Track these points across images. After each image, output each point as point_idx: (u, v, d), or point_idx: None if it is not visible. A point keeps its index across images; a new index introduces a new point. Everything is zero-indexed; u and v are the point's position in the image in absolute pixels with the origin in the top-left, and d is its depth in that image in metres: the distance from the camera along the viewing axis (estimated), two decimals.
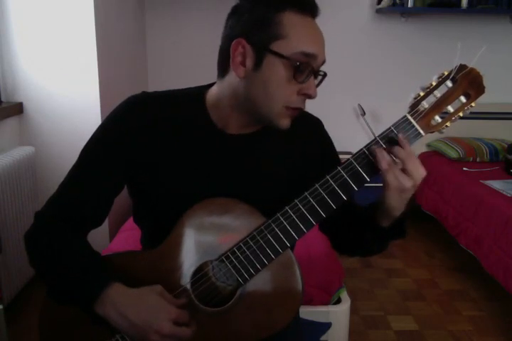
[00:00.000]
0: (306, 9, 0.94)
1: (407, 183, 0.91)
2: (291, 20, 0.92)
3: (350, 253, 1.16)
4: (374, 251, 1.11)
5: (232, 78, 0.97)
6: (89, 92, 2.48)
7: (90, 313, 0.94)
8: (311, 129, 1.13)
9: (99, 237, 2.36)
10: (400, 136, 0.92)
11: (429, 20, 3.58)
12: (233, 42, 0.94)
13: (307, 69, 0.93)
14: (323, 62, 0.97)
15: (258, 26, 0.92)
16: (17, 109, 2.44)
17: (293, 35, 0.91)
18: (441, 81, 0.93)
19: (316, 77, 0.96)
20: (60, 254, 0.99)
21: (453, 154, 3.36)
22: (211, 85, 1.06)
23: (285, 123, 0.98)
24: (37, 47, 2.41)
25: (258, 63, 0.93)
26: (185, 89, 1.08)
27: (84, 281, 0.94)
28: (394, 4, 3.44)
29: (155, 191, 1.03)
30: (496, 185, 2.84)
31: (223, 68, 0.99)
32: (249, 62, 0.93)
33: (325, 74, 0.99)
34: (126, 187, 1.08)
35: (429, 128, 0.94)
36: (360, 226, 1.04)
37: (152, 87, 3.57)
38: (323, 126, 1.15)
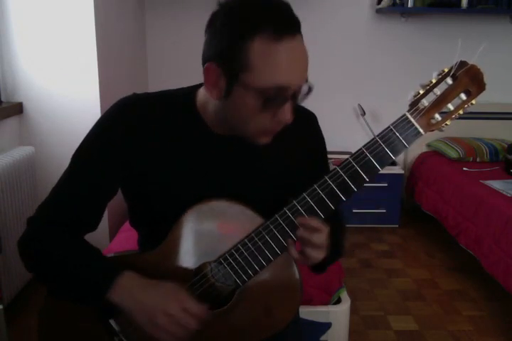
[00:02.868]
0: (282, 29, 0.85)
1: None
2: (261, 50, 0.85)
3: None
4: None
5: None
6: (89, 92, 2.47)
7: (100, 306, 0.94)
8: (305, 124, 1.10)
9: (99, 237, 2.35)
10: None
11: (429, 20, 3.58)
12: (206, 65, 0.91)
13: (279, 99, 0.89)
14: (304, 81, 0.92)
15: (228, 53, 0.87)
16: (17, 109, 2.44)
17: (262, 66, 0.86)
18: (442, 78, 0.91)
19: (293, 101, 0.92)
20: (62, 253, 0.99)
21: (453, 154, 3.36)
22: (202, 84, 1.04)
23: (264, 141, 0.97)
24: (37, 47, 2.41)
25: (228, 91, 0.90)
26: (176, 89, 1.07)
27: (96, 272, 0.95)
28: (394, 4, 3.44)
29: (149, 193, 1.03)
30: (496, 185, 2.84)
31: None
32: (221, 85, 0.90)
33: (310, 90, 0.93)
34: (120, 190, 1.08)
35: (429, 126, 0.93)
36: None
37: (152, 87, 3.57)
38: (317, 121, 1.13)
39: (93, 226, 1.06)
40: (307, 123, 1.12)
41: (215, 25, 0.90)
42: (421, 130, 0.92)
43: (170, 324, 0.91)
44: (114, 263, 0.97)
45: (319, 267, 1.06)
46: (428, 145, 3.64)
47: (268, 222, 0.95)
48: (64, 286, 0.99)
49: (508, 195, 2.66)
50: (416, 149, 3.63)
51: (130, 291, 0.93)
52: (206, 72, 0.91)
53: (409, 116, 0.92)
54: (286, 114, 0.91)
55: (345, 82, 3.64)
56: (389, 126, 0.92)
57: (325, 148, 1.15)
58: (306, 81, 0.93)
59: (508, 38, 3.62)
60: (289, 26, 0.87)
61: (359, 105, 3.60)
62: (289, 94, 0.89)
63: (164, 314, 0.91)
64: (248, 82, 0.87)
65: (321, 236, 0.93)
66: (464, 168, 3.22)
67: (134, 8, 3.25)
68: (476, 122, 3.50)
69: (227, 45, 0.87)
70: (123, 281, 0.93)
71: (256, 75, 0.86)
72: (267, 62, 0.86)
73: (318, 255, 0.94)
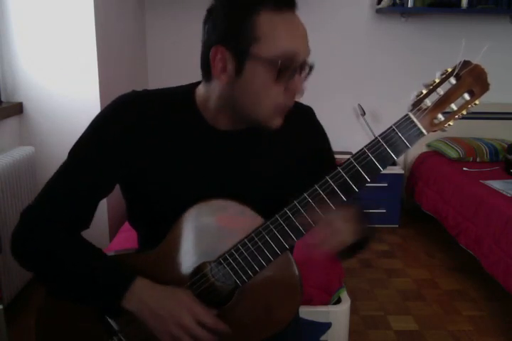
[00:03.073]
0: (282, 4, 0.90)
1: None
2: (266, 21, 0.89)
3: None
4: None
5: (217, 84, 0.96)
6: (89, 92, 2.48)
7: (109, 308, 0.95)
8: (303, 119, 1.11)
9: (99, 237, 2.36)
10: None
11: (429, 20, 3.58)
12: (211, 50, 0.92)
13: (290, 68, 0.91)
14: (308, 54, 0.95)
15: (234, 31, 0.90)
16: (17, 109, 2.44)
17: (270, 36, 0.89)
18: (445, 78, 0.90)
19: (301, 73, 0.94)
20: (64, 252, 0.98)
21: (453, 154, 3.36)
22: (200, 82, 1.04)
23: (277, 122, 0.97)
24: (37, 47, 2.41)
25: (239, 69, 0.91)
26: (175, 87, 1.07)
27: (109, 278, 0.95)
28: (394, 4, 3.44)
29: (149, 192, 1.02)
30: (496, 185, 2.84)
31: (207, 73, 0.97)
32: (230, 68, 0.91)
33: (312, 67, 0.96)
34: (120, 189, 1.07)
35: (431, 126, 0.92)
36: None
37: (152, 87, 3.56)
38: (314, 115, 1.14)
39: (86, 223, 1.05)
40: (305, 118, 1.12)
41: (214, 14, 0.93)
42: (423, 130, 0.91)
43: (184, 335, 0.92)
44: (124, 268, 0.97)
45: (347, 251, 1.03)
46: (428, 145, 3.64)
47: (268, 222, 0.94)
48: (66, 287, 0.98)
49: (508, 195, 2.66)
50: (416, 149, 3.63)
51: (142, 299, 0.93)
52: (213, 56, 0.92)
53: (412, 116, 0.91)
54: (297, 86, 0.93)
55: (345, 82, 3.64)
56: (391, 126, 0.91)
57: (327, 139, 1.15)
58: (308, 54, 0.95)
59: (508, 38, 3.62)
60: (288, 2, 0.91)
61: (359, 105, 3.60)
62: (298, 63, 0.91)
63: (177, 324, 0.91)
64: (259, 54, 0.89)
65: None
66: (464, 168, 3.22)
67: (134, 8, 3.25)
68: (476, 122, 3.49)
69: (233, 23, 0.90)
70: (135, 289, 0.93)
71: (265, 45, 0.89)
72: (274, 30, 0.89)
73: (342, 239, 0.93)
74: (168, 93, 1.05)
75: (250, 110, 0.95)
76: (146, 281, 0.95)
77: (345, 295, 1.90)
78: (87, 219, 1.05)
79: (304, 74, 0.95)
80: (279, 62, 0.89)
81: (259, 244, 0.94)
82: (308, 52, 0.94)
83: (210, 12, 0.94)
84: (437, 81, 0.91)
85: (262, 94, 0.92)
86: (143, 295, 0.93)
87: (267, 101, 0.93)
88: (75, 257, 0.98)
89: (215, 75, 0.94)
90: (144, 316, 0.93)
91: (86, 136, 1.02)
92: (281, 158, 1.06)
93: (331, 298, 1.85)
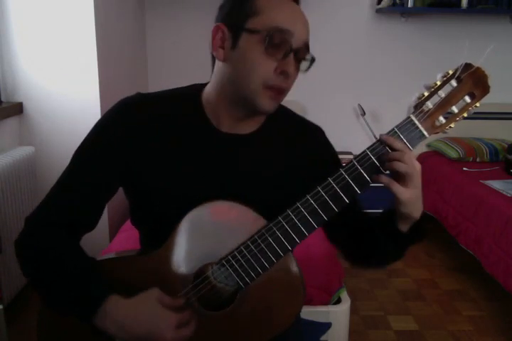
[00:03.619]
0: None
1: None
2: (266, 0, 0.93)
3: (365, 264, 1.16)
4: (390, 259, 1.10)
5: (218, 66, 0.99)
6: (89, 92, 2.47)
7: (90, 325, 0.93)
8: (311, 136, 1.10)
9: (99, 237, 2.36)
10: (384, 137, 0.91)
11: (429, 20, 3.58)
12: (213, 29, 0.96)
13: (282, 44, 0.91)
14: (306, 43, 0.95)
15: (235, 9, 0.94)
16: (17, 109, 2.43)
17: (267, 11, 0.92)
18: (446, 80, 0.91)
19: (296, 56, 0.94)
20: (54, 265, 0.97)
21: (453, 154, 3.36)
22: (207, 84, 1.05)
23: (266, 104, 0.95)
24: (37, 47, 2.41)
25: (234, 42, 0.94)
26: (180, 88, 1.07)
27: (82, 296, 0.93)
28: (394, 4, 3.44)
29: (150, 192, 1.02)
30: (496, 185, 2.84)
31: (213, 63, 1.01)
32: (227, 44, 0.95)
33: (313, 60, 0.96)
34: (122, 189, 1.07)
35: (433, 129, 0.92)
36: (376, 235, 1.02)
37: (152, 87, 3.56)
38: (323, 133, 1.12)
39: (92, 226, 1.06)
40: (313, 136, 1.11)
41: (222, 6, 0.98)
42: (425, 132, 0.92)
43: None
44: (101, 284, 0.95)
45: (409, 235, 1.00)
46: (428, 146, 3.64)
47: (271, 224, 0.94)
48: (54, 300, 0.98)
49: (508, 195, 2.66)
50: (416, 149, 3.54)
51: (114, 321, 0.91)
52: (214, 34, 0.96)
53: (414, 118, 0.91)
54: (289, 66, 0.93)
55: (345, 82, 3.64)
56: (393, 129, 0.92)
57: (338, 159, 1.13)
58: (308, 49, 0.96)
59: (508, 38, 3.62)
60: None
61: (359, 105, 3.60)
62: (291, 42, 0.92)
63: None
64: (254, 26, 0.92)
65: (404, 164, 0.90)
66: (464, 168, 3.22)
67: (134, 8, 3.25)
68: (476, 122, 3.49)
69: (236, 2, 0.95)
70: (105, 310, 0.91)
71: (260, 18, 0.92)
72: (273, 6, 0.93)
73: (405, 191, 0.91)
74: (173, 95, 1.05)
75: (241, 86, 0.95)
76: (117, 301, 0.92)
77: (345, 295, 1.90)
78: (92, 222, 1.05)
79: (304, 66, 0.96)
80: (271, 33, 0.91)
81: (262, 246, 0.94)
82: (305, 35, 0.95)
83: (221, 8, 0.99)
84: (438, 83, 0.91)
85: (252, 67, 0.93)
86: (115, 318, 0.91)
87: (255, 75, 0.93)
88: (64, 272, 0.96)
89: (213, 52, 0.96)
90: (124, 339, 0.92)
91: (88, 140, 1.02)
92: (285, 164, 1.06)
93: (331, 298, 1.85)
